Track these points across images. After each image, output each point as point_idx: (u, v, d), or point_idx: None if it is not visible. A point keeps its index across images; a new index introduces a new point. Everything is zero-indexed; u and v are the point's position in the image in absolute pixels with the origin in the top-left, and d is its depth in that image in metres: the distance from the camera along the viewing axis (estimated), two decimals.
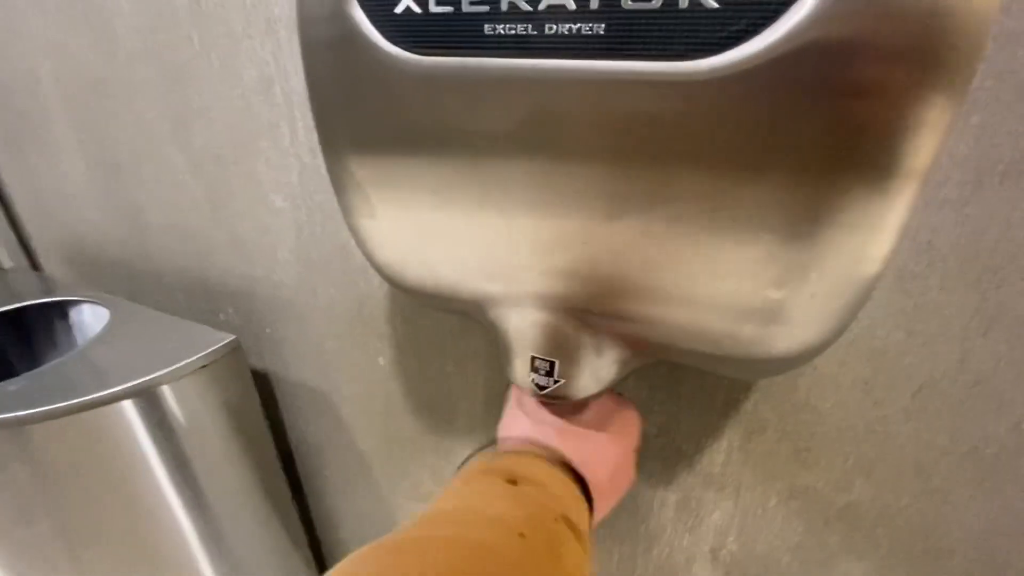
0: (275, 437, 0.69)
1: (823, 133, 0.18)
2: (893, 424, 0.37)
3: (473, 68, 0.20)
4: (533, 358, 0.30)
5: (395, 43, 0.21)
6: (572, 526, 0.28)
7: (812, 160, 0.19)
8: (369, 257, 0.30)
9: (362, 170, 0.26)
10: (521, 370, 0.31)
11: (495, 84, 0.20)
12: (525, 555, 0.24)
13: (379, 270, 0.31)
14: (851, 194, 0.19)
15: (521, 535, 0.24)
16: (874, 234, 0.20)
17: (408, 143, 0.24)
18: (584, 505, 0.31)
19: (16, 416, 0.54)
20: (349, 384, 0.64)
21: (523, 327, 0.29)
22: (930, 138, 0.18)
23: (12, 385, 0.56)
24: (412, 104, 0.23)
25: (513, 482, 0.29)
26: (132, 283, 0.77)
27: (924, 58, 0.17)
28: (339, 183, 0.28)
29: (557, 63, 0.19)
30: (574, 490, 0.31)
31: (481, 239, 0.26)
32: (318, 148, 0.50)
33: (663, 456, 0.47)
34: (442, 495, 0.29)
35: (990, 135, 0.28)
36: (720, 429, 0.44)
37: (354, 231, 0.30)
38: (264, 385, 0.71)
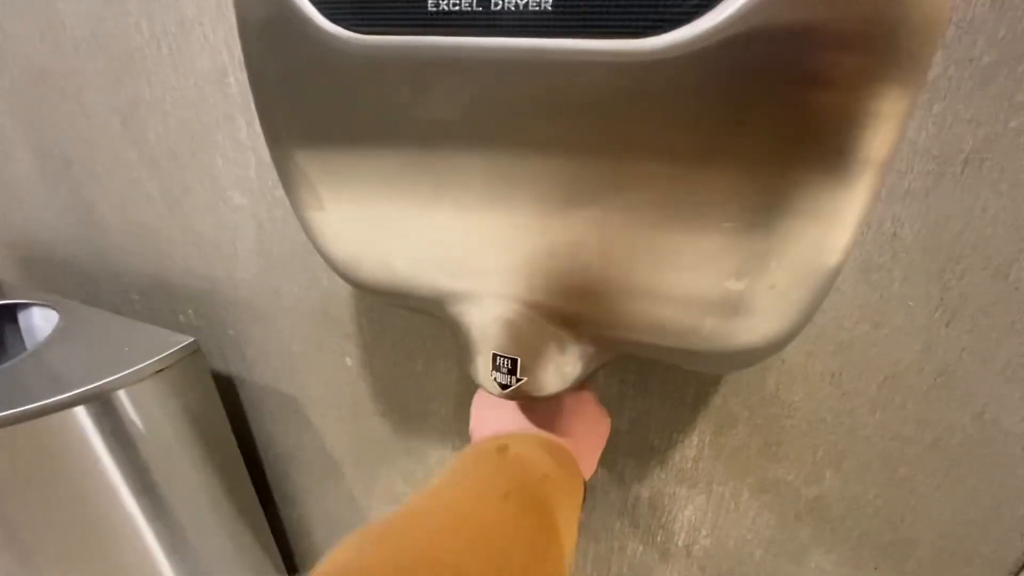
0: (241, 442, 0.67)
1: (780, 118, 0.17)
2: (860, 415, 0.37)
3: (417, 47, 0.19)
4: (495, 355, 0.28)
5: (335, 21, 0.20)
6: (558, 481, 0.29)
7: (769, 147, 0.18)
8: (321, 252, 0.29)
9: (307, 161, 0.25)
10: (483, 368, 0.30)
11: (440, 64, 0.19)
12: (507, 516, 0.25)
13: (333, 265, 0.29)
14: (809, 183, 0.18)
15: (505, 495, 0.25)
16: (834, 224, 0.19)
17: (355, 131, 0.23)
18: (571, 458, 0.32)
19: None
20: (316, 386, 0.62)
21: (483, 324, 0.28)
22: (888, 126, 0.17)
23: None
24: (356, 88, 0.21)
25: (503, 448, 0.30)
26: (87, 285, 0.74)
27: (881, 44, 0.16)
28: (285, 175, 0.27)
29: (504, 41, 0.18)
30: (560, 447, 0.32)
31: (436, 232, 0.25)
32: None
33: (635, 452, 0.47)
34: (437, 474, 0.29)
35: (951, 124, 0.28)
36: (691, 424, 0.43)
37: (304, 224, 0.28)
38: (228, 389, 0.69)
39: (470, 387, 0.52)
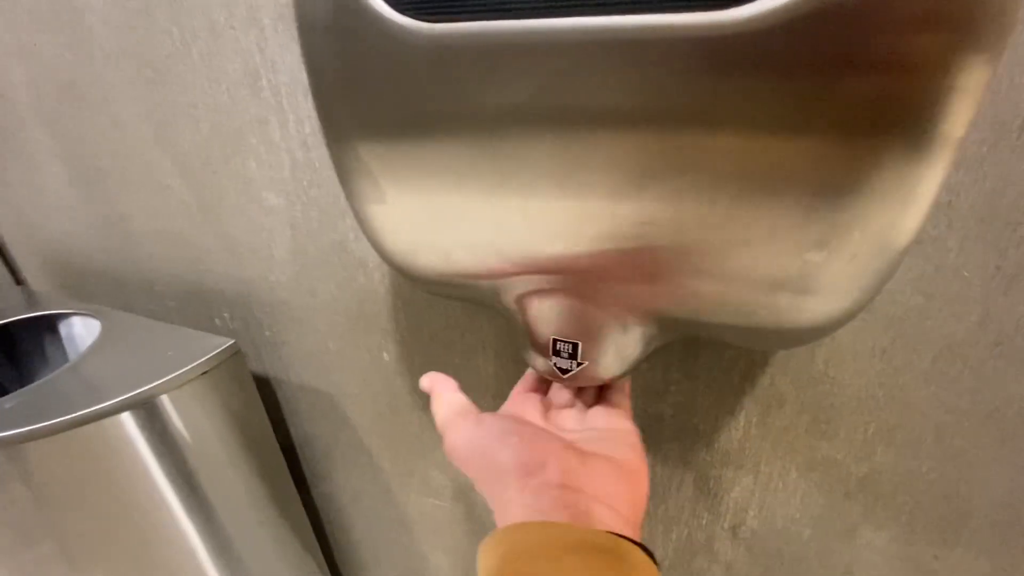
0: (280, 441, 0.68)
1: (864, 91, 0.17)
2: (912, 390, 0.37)
3: (489, 33, 0.19)
4: (555, 341, 0.29)
5: (402, 11, 0.20)
6: None
7: (853, 120, 0.18)
8: (378, 245, 0.29)
9: (370, 154, 0.25)
10: (542, 354, 0.30)
11: (513, 50, 0.19)
12: None
13: (388, 258, 0.30)
14: (891, 157, 0.18)
15: None
16: (912, 198, 0.19)
17: (420, 122, 0.23)
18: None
19: (10, 435, 0.52)
20: (353, 383, 0.63)
21: (543, 309, 0.28)
22: (969, 100, 0.17)
23: (5, 403, 0.54)
24: (423, 79, 0.21)
25: None
26: (123, 294, 0.75)
27: (966, 16, 0.16)
28: (344, 169, 0.27)
29: (579, 21, 0.18)
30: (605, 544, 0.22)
31: (500, 221, 0.25)
32: (310, 141, 0.49)
33: (679, 437, 0.47)
34: None
35: (1007, 88, 0.28)
36: (737, 406, 0.43)
37: (361, 219, 0.28)
38: (266, 389, 0.70)
39: (507, 381, 0.52)
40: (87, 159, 0.64)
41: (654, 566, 0.22)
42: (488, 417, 0.29)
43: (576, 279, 0.25)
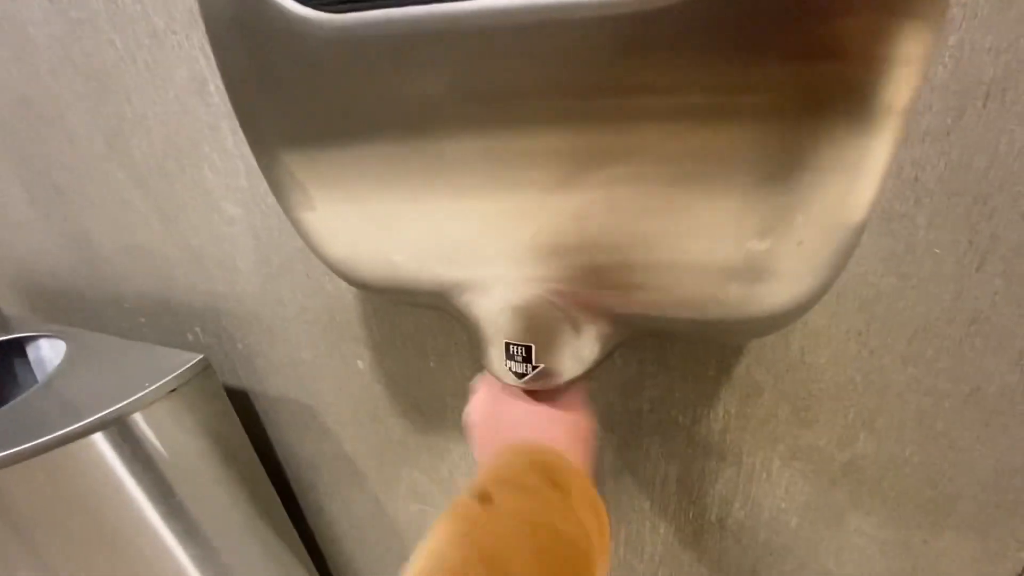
0: (262, 455, 0.66)
1: (795, 64, 0.16)
2: (891, 373, 0.36)
3: (394, 21, 0.18)
4: (507, 344, 0.27)
5: (303, 2, 0.19)
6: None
7: (785, 96, 0.16)
8: (318, 253, 0.28)
9: (293, 160, 0.24)
10: (497, 359, 0.28)
11: (421, 38, 0.18)
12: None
13: (331, 266, 0.28)
14: (830, 133, 0.17)
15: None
16: (859, 175, 0.18)
17: (337, 123, 0.22)
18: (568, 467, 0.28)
19: None
20: (330, 392, 0.61)
21: (493, 312, 0.27)
22: (911, 69, 0.16)
23: None
24: (333, 74, 0.20)
25: (485, 497, 0.25)
26: (91, 312, 0.74)
27: None
28: (272, 177, 0.26)
29: (489, 3, 0.17)
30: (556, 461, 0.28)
31: (433, 222, 0.23)
32: None
33: (659, 431, 0.46)
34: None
35: (969, 55, 0.27)
36: (715, 397, 0.42)
37: (297, 226, 0.27)
38: (244, 403, 0.68)
39: None
40: (43, 176, 0.62)
41: (587, 479, 0.28)
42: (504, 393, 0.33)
43: (520, 279, 0.24)
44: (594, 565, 0.24)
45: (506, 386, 0.31)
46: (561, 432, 0.30)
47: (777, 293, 0.21)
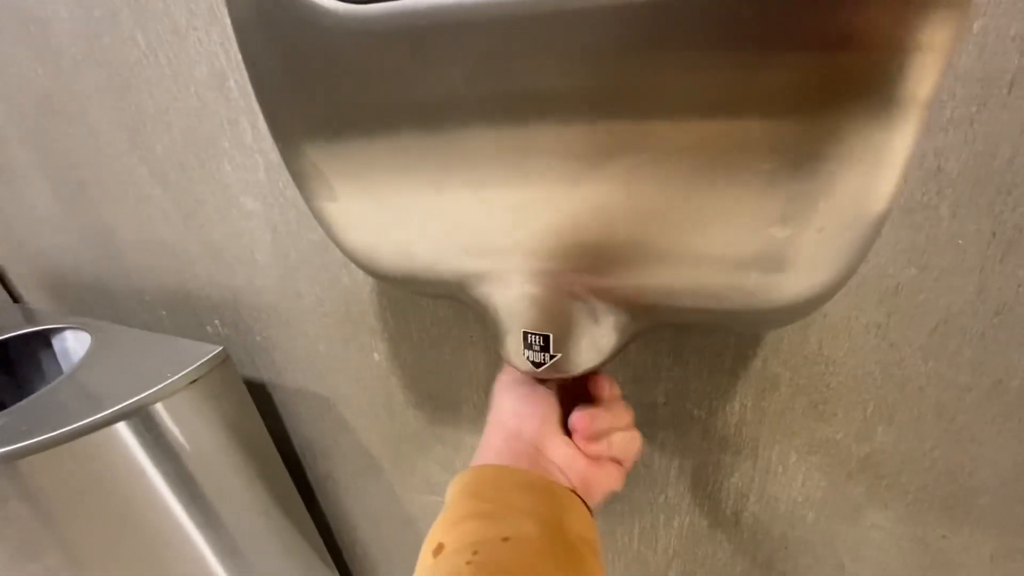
0: (279, 445, 0.68)
1: (815, 54, 0.16)
2: (911, 366, 0.36)
3: (417, 12, 0.18)
4: (525, 334, 0.27)
5: None
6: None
7: (810, 85, 0.16)
8: (338, 243, 0.28)
9: (316, 151, 0.24)
10: (514, 348, 0.29)
11: (446, 28, 0.18)
12: None
13: (351, 257, 0.29)
14: (850, 124, 0.17)
15: None
16: (880, 166, 0.18)
17: (360, 114, 0.22)
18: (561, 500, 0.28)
19: (7, 451, 0.52)
20: (347, 384, 0.62)
21: (511, 302, 0.27)
22: (933, 59, 0.16)
23: None
24: (356, 66, 0.20)
25: (440, 549, 0.24)
26: (114, 305, 0.75)
27: None
28: (295, 168, 0.26)
29: None
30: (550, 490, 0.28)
31: (452, 214, 0.24)
32: None
33: (674, 424, 0.46)
34: None
35: (993, 42, 0.26)
36: (731, 390, 0.42)
37: (318, 217, 0.27)
38: (261, 394, 0.70)
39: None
40: (68, 172, 0.64)
41: (585, 507, 0.28)
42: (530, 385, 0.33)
43: (538, 269, 0.24)
44: (547, 562, 0.23)
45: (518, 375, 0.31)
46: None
47: (796, 282, 0.21)
